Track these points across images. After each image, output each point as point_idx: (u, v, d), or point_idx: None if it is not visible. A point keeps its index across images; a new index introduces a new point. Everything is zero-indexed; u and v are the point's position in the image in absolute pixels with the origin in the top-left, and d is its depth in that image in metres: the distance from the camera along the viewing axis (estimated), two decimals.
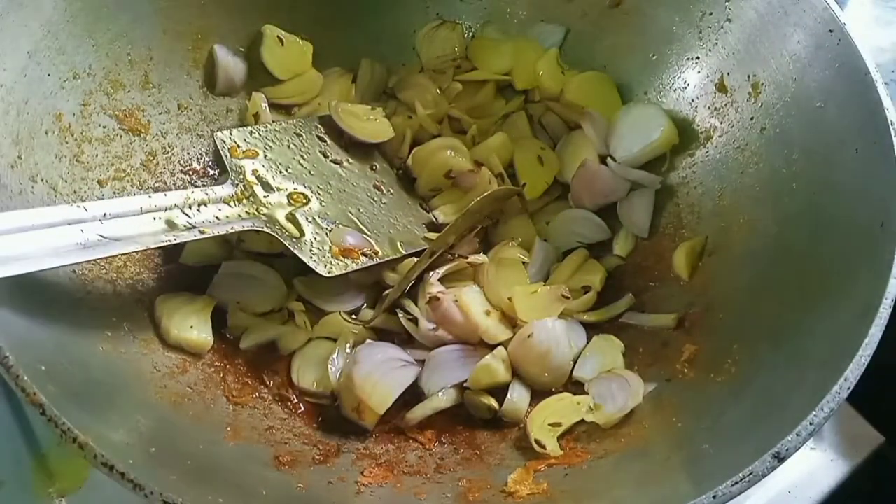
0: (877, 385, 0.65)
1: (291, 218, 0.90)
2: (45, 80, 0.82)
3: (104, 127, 0.89)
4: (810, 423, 0.61)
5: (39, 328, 0.67)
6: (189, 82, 0.99)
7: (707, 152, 0.97)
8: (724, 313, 0.86)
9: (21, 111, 0.78)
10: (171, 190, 0.91)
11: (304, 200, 0.93)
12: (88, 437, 0.57)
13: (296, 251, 0.87)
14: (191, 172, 0.98)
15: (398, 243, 0.96)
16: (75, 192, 0.84)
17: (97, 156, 0.88)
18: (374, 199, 1.00)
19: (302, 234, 0.89)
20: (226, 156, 0.90)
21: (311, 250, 0.88)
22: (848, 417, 0.91)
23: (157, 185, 0.94)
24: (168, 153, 0.96)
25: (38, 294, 0.70)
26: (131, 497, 0.57)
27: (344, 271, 0.89)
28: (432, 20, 1.13)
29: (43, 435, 0.88)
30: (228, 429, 0.77)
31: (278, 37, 1.03)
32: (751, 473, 0.59)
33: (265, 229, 0.86)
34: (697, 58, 0.98)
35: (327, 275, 0.87)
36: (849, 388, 0.62)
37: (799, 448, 0.60)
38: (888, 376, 0.66)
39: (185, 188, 0.94)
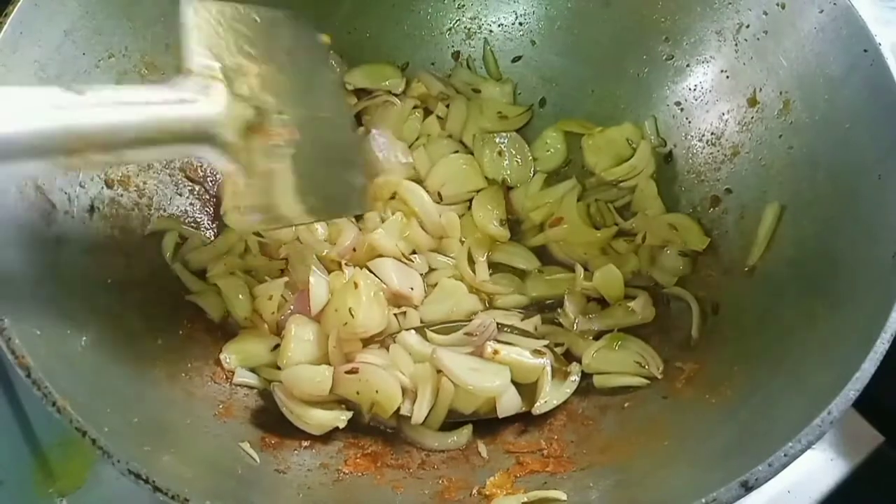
0: (877, 385, 0.63)
1: None
2: (79, 59, 0.84)
3: None
4: (784, 455, 0.59)
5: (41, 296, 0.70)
6: None
7: (733, 168, 0.94)
8: (732, 333, 0.84)
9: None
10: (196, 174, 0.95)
11: None
12: (66, 402, 0.59)
13: None
14: None
15: None
16: None
17: None
18: None
19: None
20: None
21: None
22: (848, 417, 0.89)
23: (182, 165, 0.97)
24: None
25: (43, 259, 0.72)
26: (131, 496, 0.59)
27: None
28: None
29: (43, 434, 0.89)
30: (221, 406, 0.79)
31: None
32: (714, 500, 0.58)
33: None
34: (730, 70, 0.96)
35: None
36: (831, 423, 0.60)
37: (770, 479, 0.58)
38: (888, 376, 0.64)
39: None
